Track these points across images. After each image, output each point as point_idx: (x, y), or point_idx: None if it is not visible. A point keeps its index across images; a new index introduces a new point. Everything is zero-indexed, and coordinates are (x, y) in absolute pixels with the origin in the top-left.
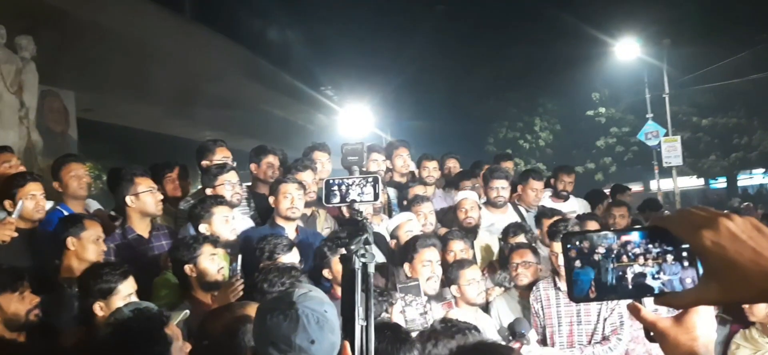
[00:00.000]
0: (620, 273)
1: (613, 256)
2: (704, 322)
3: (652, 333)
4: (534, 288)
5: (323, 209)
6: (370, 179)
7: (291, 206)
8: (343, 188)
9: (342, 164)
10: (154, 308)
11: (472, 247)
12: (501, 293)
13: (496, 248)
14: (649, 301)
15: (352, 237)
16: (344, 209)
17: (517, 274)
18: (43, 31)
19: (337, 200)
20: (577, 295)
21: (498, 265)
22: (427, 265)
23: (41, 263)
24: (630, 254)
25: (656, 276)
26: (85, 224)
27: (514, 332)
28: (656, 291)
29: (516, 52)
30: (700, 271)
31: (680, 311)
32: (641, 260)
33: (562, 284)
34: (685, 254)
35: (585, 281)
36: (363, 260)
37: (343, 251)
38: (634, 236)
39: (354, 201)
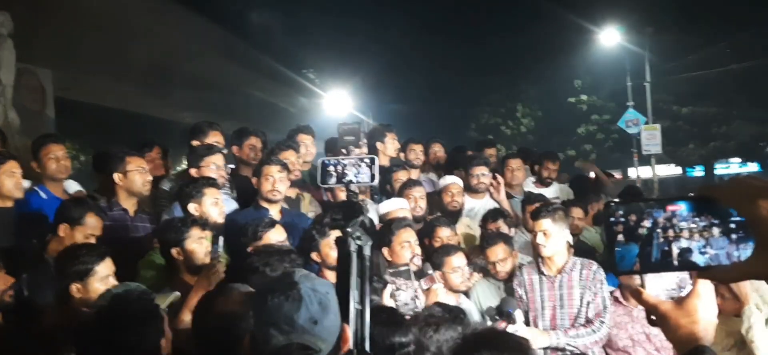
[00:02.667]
0: (666, 247)
1: (658, 229)
2: (705, 305)
3: (653, 316)
4: (517, 273)
5: (308, 192)
6: (366, 160)
7: (272, 189)
8: (340, 168)
9: (338, 144)
10: (141, 289)
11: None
12: (481, 278)
13: (476, 233)
14: (650, 283)
15: (347, 219)
16: (338, 191)
17: (495, 272)
18: (19, 8)
19: (333, 180)
20: (621, 269)
21: (479, 250)
22: (405, 246)
23: (19, 242)
24: (676, 227)
25: (703, 250)
26: (85, 220)
27: (501, 311)
28: (702, 265)
29: (498, 37)
30: (749, 245)
31: (682, 295)
32: (687, 233)
33: (545, 269)
34: (733, 226)
35: (630, 255)
36: (359, 242)
37: (338, 233)
38: (681, 207)
39: (350, 182)
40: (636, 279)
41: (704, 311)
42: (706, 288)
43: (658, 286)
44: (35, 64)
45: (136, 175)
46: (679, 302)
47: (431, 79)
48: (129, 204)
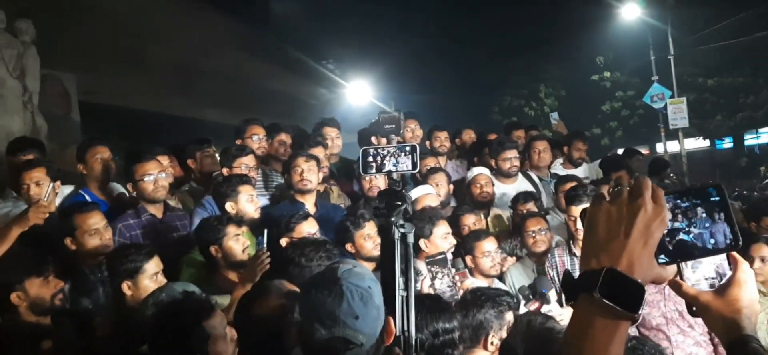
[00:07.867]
0: None
1: None
2: (747, 294)
3: (694, 307)
4: (549, 255)
5: (335, 184)
6: (407, 148)
7: (301, 179)
8: (380, 157)
9: (377, 133)
10: (197, 292)
11: (485, 218)
12: (514, 262)
13: (506, 219)
14: (689, 273)
15: (390, 208)
16: (364, 182)
17: (534, 241)
18: (41, 15)
19: (373, 169)
20: None
21: (509, 234)
22: (446, 238)
23: (58, 247)
24: None
25: (687, 231)
26: (74, 221)
27: (534, 291)
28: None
29: (518, 18)
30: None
31: (722, 283)
32: (670, 214)
33: (578, 251)
34: (717, 207)
35: None
36: (402, 230)
37: (373, 224)
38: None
39: (391, 171)
40: (672, 269)
41: (746, 299)
42: (746, 275)
43: (697, 275)
44: (59, 70)
45: (143, 185)
46: (720, 291)
47: (453, 66)
48: (153, 209)
